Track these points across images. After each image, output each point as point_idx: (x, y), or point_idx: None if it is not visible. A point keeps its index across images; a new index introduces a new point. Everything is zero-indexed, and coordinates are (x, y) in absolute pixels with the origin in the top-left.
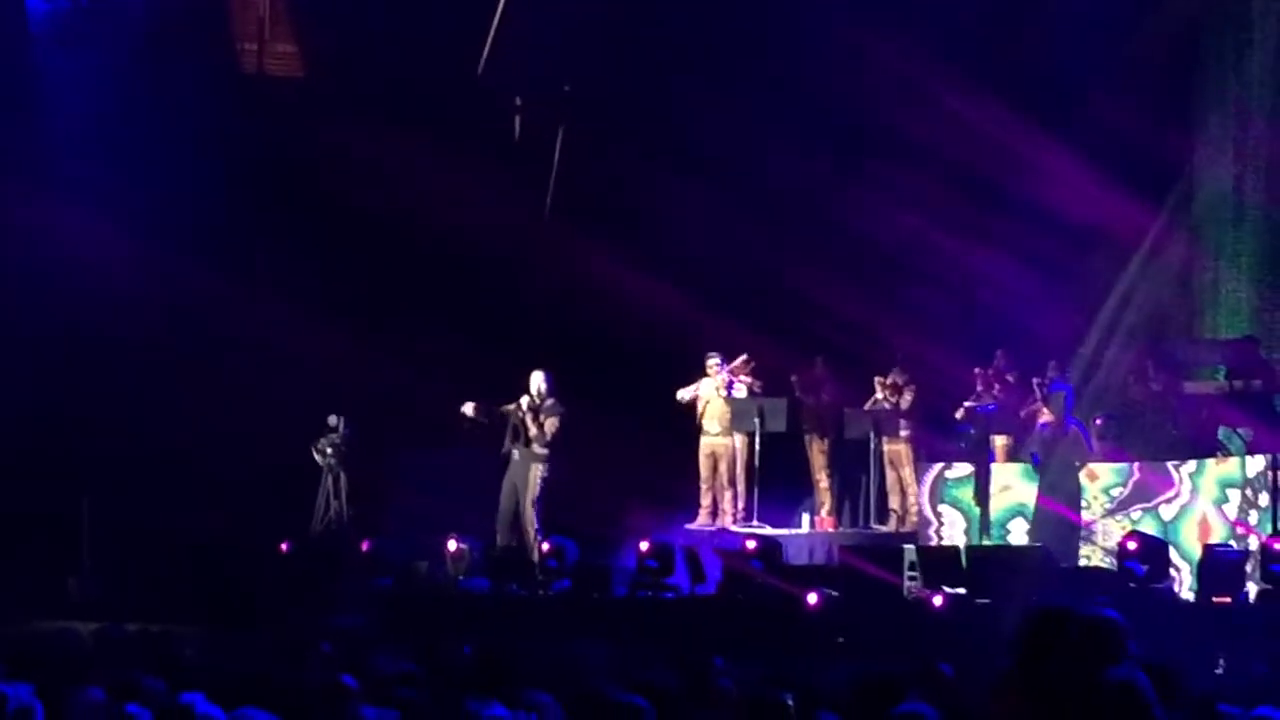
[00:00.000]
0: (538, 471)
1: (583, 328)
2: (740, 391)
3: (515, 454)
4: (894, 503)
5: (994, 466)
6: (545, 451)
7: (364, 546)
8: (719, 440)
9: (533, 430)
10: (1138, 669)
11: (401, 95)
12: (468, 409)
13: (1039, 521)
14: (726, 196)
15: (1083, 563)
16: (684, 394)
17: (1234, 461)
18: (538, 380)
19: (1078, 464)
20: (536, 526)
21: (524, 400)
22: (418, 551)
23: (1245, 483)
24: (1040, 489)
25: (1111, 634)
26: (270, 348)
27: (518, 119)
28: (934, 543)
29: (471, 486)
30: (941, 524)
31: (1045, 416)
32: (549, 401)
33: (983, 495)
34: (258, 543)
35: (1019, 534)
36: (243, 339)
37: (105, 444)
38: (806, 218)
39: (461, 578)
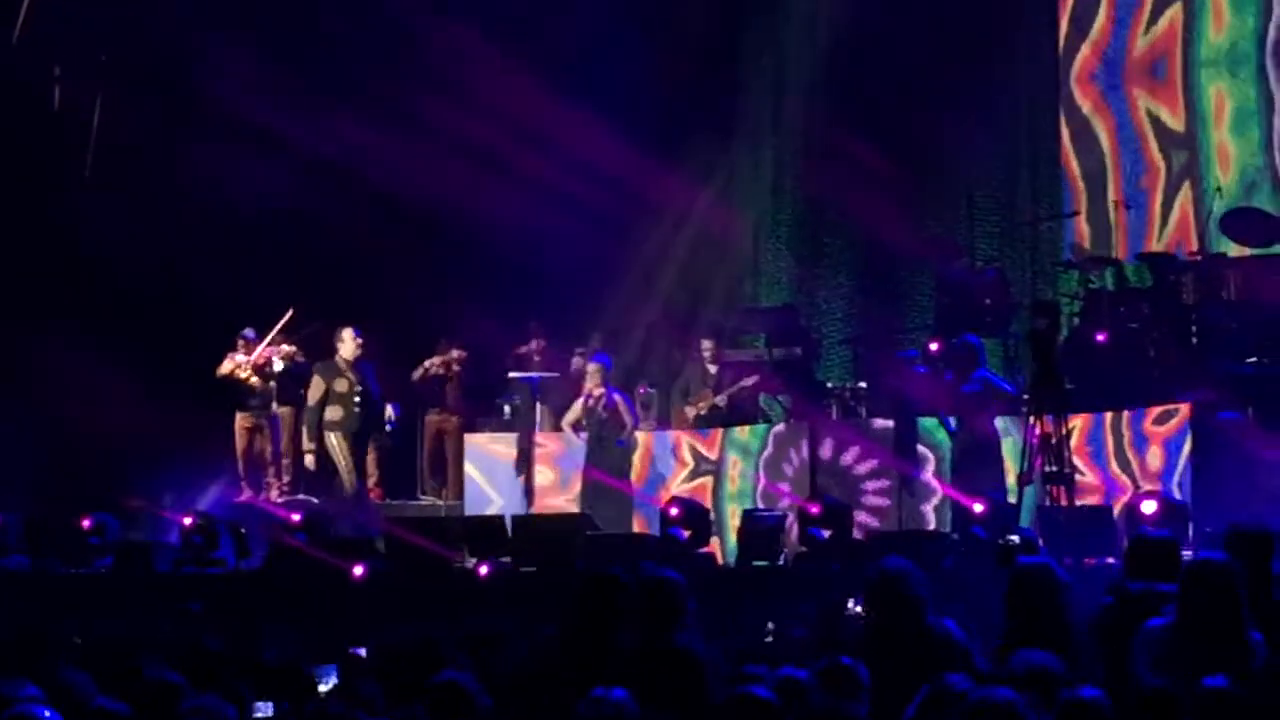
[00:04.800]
0: None
1: (125, 293)
2: (279, 366)
3: None
4: (443, 474)
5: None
6: None
7: None
8: (258, 413)
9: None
10: (700, 637)
11: None
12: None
13: (588, 492)
14: (270, 160)
15: None
16: (223, 368)
17: (765, 427)
18: None
19: (623, 434)
20: None
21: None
22: None
23: (778, 447)
24: (586, 459)
25: (673, 595)
26: None
27: (56, 88)
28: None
29: (5, 460)
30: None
31: (588, 387)
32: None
33: (527, 465)
34: None
35: None
36: None
37: None
38: (348, 178)
39: None
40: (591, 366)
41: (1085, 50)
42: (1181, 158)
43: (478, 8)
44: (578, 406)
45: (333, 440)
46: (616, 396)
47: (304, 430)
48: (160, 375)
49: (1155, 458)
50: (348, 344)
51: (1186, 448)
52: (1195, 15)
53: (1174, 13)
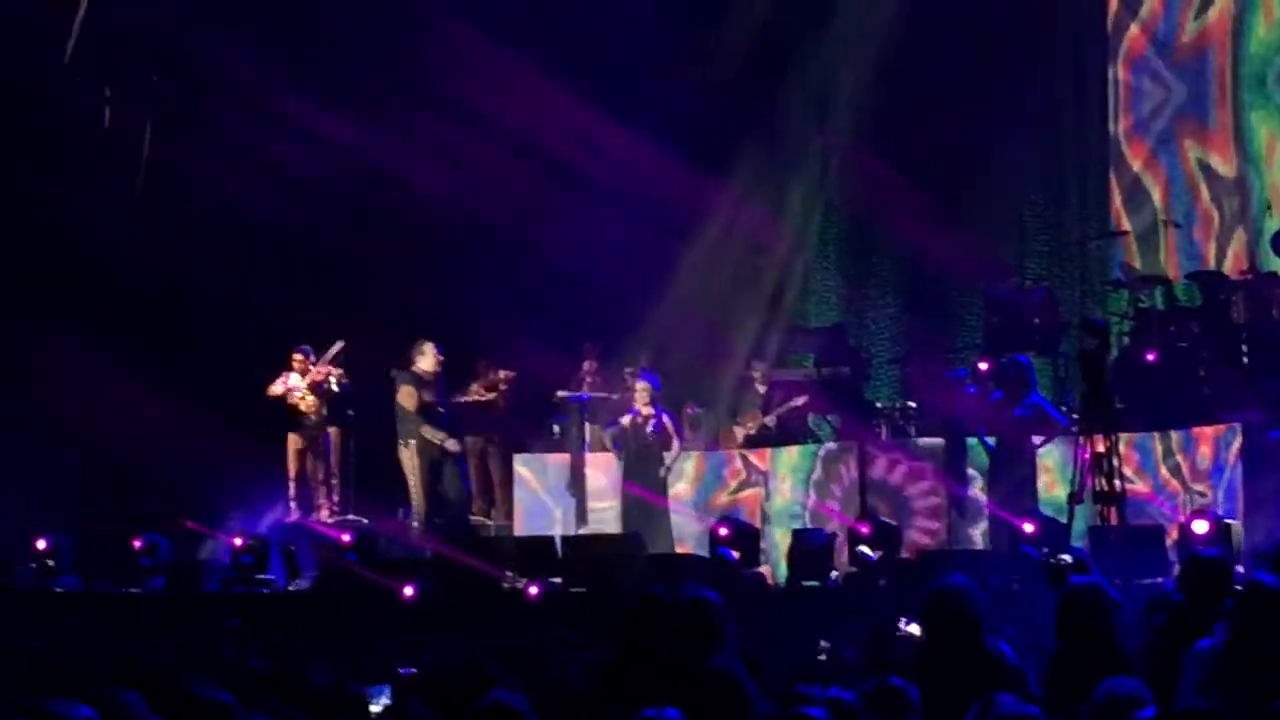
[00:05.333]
0: None
1: (175, 314)
2: (335, 385)
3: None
4: (490, 495)
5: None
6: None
7: None
8: (311, 434)
9: None
10: (737, 657)
11: None
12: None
13: (627, 508)
14: (306, 180)
15: None
16: (275, 388)
17: (814, 447)
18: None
19: (666, 452)
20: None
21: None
22: (5, 550)
23: (827, 467)
24: (625, 475)
25: (711, 615)
26: None
27: (107, 109)
28: None
29: (58, 481)
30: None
31: (636, 404)
32: None
33: (578, 485)
34: None
35: None
36: None
37: None
38: (388, 200)
39: (52, 577)
40: (640, 385)
41: (1134, 29)
42: (1233, 204)
43: (525, 19)
44: (625, 420)
45: (407, 454)
46: (665, 419)
47: (422, 440)
48: (209, 393)
49: (1204, 458)
50: (429, 357)
51: (1235, 444)
52: (1246, 9)
53: (1225, 2)
